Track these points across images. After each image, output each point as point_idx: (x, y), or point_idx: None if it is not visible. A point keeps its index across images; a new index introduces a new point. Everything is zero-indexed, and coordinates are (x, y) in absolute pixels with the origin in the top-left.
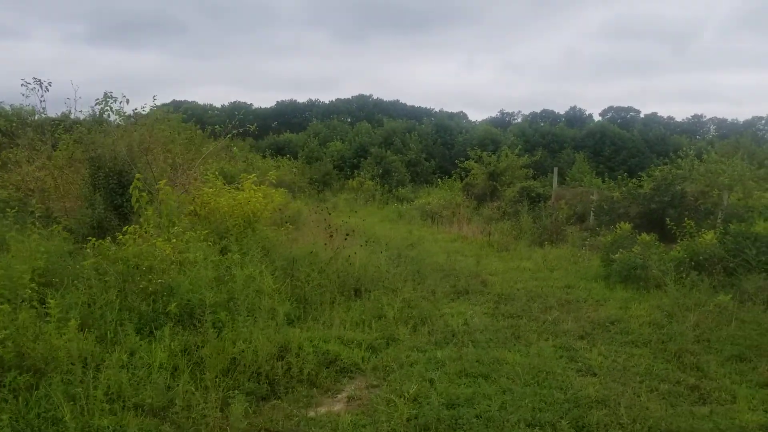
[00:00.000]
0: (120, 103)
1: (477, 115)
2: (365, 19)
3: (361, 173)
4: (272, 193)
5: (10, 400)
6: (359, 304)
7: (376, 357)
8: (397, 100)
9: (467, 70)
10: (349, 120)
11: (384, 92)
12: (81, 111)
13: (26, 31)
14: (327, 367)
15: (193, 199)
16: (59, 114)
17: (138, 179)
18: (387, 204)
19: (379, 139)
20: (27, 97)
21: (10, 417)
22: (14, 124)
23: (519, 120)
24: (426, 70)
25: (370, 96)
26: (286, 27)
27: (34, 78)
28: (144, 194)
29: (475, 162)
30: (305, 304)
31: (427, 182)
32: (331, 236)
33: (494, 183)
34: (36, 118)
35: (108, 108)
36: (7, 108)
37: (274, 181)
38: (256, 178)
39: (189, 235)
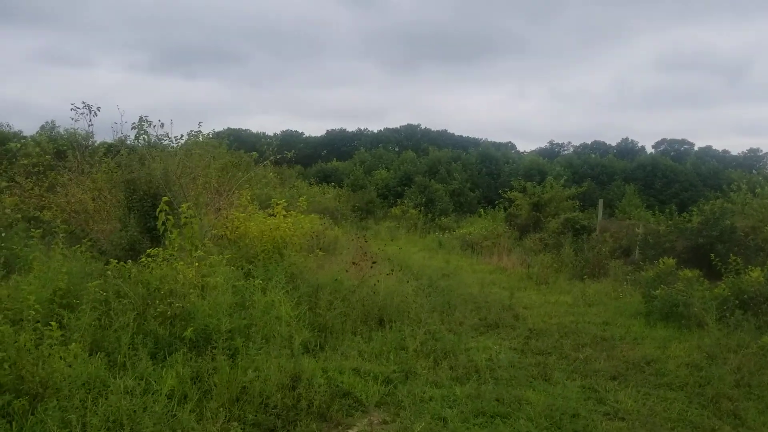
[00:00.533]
0: (155, 127)
1: (526, 145)
2: (414, 50)
3: (405, 201)
4: (302, 219)
5: (3, 425)
6: (381, 335)
7: (391, 391)
8: (445, 130)
9: (516, 101)
10: (396, 149)
11: (432, 122)
12: (127, 136)
13: (92, 60)
14: (340, 399)
15: (224, 224)
16: (115, 139)
17: (165, 202)
18: (429, 233)
19: (423, 167)
20: (76, 121)
21: None
22: (65, 148)
23: (569, 151)
24: (475, 100)
25: (418, 126)
26: (338, 58)
27: (83, 102)
28: (170, 217)
29: (519, 192)
30: (325, 332)
31: (470, 212)
32: (354, 264)
33: (538, 214)
34: (90, 142)
35: (143, 132)
36: (62, 132)
37: (304, 207)
38: (286, 203)
39: (213, 259)
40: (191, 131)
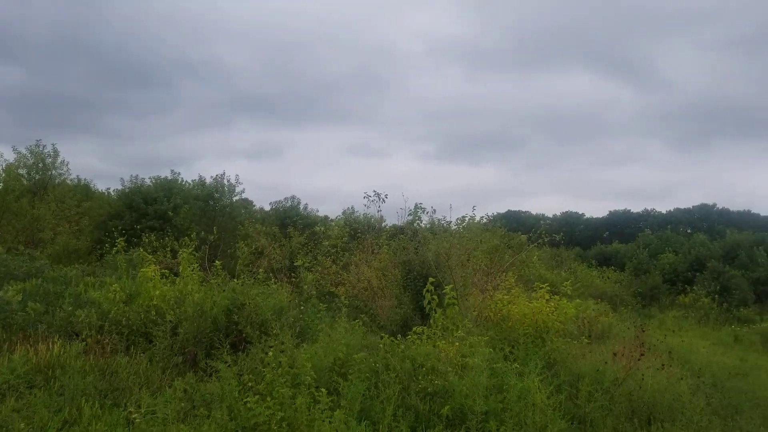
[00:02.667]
0: (428, 213)
1: None
2: (704, 126)
3: (695, 289)
4: (566, 304)
5: None
6: None
7: None
8: (748, 210)
9: None
10: (688, 230)
11: (731, 201)
12: (408, 221)
13: (390, 152)
14: None
15: (488, 305)
16: (401, 222)
17: (431, 283)
18: (723, 325)
19: (719, 252)
20: (368, 207)
21: None
22: (359, 232)
23: None
24: None
25: (714, 206)
26: (619, 138)
27: (374, 191)
28: (435, 297)
29: None
30: (584, 425)
31: None
32: (615, 354)
33: None
34: (383, 225)
35: (418, 218)
36: (360, 216)
37: (569, 292)
38: (550, 288)
39: (472, 339)
40: (463, 216)
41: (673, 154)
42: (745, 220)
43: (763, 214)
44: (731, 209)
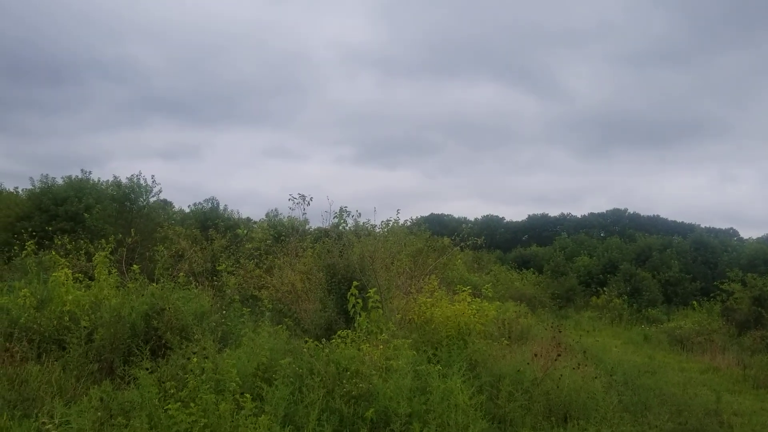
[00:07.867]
0: (353, 217)
1: (752, 232)
2: (605, 136)
3: (608, 290)
4: (487, 306)
5: None
6: None
7: None
8: (657, 215)
9: (725, 185)
10: (602, 234)
11: (641, 206)
12: (333, 224)
13: (308, 155)
14: None
15: (411, 308)
16: (328, 225)
17: (355, 287)
18: (634, 325)
19: (631, 255)
20: (293, 210)
21: None
22: (283, 234)
23: None
24: (679, 183)
25: (626, 210)
26: (527, 146)
27: (299, 194)
28: (359, 301)
29: (738, 284)
30: (504, 424)
31: (684, 304)
32: (535, 355)
33: (760, 309)
34: (306, 228)
35: (343, 221)
36: (283, 219)
37: (490, 294)
38: (472, 290)
39: (396, 342)
40: (387, 219)
41: (578, 161)
42: (653, 224)
43: (671, 218)
44: (641, 214)
